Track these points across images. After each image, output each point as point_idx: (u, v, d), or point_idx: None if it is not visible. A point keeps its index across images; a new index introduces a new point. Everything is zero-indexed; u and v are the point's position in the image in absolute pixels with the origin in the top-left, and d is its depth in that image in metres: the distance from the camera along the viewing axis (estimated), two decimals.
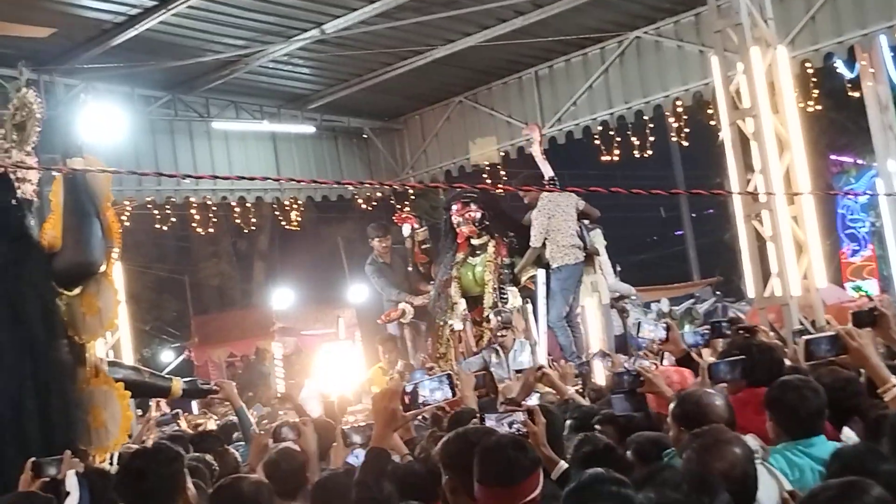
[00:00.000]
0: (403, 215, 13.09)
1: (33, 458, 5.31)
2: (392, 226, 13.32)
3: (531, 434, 4.36)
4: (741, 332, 6.86)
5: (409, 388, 4.10)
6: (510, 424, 4.38)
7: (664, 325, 5.99)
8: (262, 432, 5.88)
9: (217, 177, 15.09)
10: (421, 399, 4.09)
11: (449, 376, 4.19)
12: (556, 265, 11.08)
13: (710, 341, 7.11)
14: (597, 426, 5.28)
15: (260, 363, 20.03)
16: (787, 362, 5.73)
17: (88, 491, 4.78)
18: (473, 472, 3.44)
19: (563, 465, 4.21)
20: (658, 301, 14.68)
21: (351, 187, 17.37)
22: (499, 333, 10.08)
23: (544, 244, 11.15)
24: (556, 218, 11.11)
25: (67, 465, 5.21)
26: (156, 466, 3.59)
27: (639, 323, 6.45)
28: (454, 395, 4.21)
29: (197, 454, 6.09)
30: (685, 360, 5.98)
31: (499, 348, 10.03)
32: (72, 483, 4.90)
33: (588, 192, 8.66)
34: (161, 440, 7.07)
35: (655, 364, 6.50)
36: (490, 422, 4.37)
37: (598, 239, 11.70)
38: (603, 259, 11.94)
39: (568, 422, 5.50)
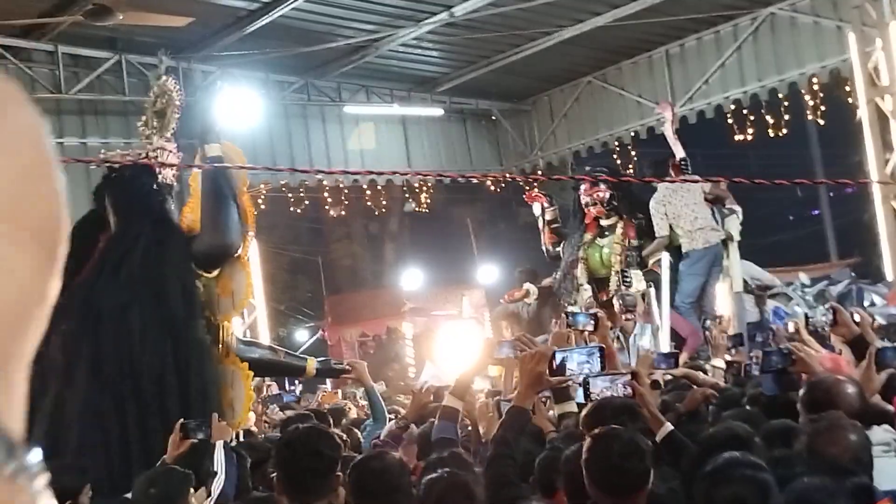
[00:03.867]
0: (534, 194, 13.02)
1: (182, 420, 5.52)
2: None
3: (638, 396, 4.37)
4: None
5: (558, 356, 4.14)
6: (622, 386, 4.37)
7: (829, 307, 5.66)
8: (425, 389, 5.97)
9: (347, 172, 15.26)
10: (576, 370, 4.15)
11: (601, 349, 4.21)
12: (684, 250, 10.90)
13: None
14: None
15: (391, 343, 20.27)
16: None
17: (236, 467, 4.90)
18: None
19: (668, 427, 4.19)
20: (791, 283, 14.21)
21: (479, 171, 17.41)
22: (623, 318, 9.95)
23: (672, 231, 10.97)
24: (673, 205, 10.88)
25: (217, 431, 5.41)
26: (327, 445, 3.64)
27: (805, 315, 6.13)
28: (603, 368, 4.23)
29: None
30: (857, 343, 5.47)
31: (620, 333, 9.90)
32: (219, 459, 5.01)
33: (730, 181, 8.46)
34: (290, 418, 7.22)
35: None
36: (597, 387, 4.36)
37: (732, 225, 11.41)
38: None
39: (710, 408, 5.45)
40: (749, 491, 2.96)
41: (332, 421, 7.43)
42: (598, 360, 4.15)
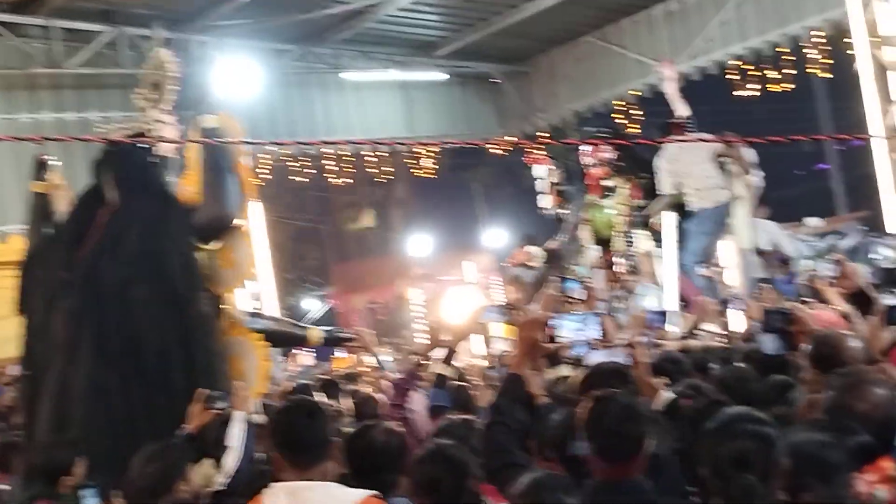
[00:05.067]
0: (534, 155, 12.92)
1: (204, 391, 5.53)
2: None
3: (637, 364, 4.39)
4: None
5: (553, 322, 4.13)
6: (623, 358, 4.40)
7: (834, 260, 5.62)
8: (436, 327, 5.95)
9: (352, 142, 15.27)
10: (571, 336, 4.14)
11: (599, 316, 4.20)
12: (694, 208, 10.78)
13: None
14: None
15: (400, 309, 20.29)
16: None
17: (254, 437, 4.88)
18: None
19: (668, 395, 4.17)
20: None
21: (481, 134, 17.31)
22: (627, 278, 9.92)
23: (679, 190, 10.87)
24: (682, 162, 10.77)
25: (239, 402, 5.40)
26: (320, 415, 3.66)
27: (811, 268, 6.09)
28: (602, 336, 4.23)
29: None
30: (858, 298, 5.55)
31: (625, 293, 9.87)
32: (236, 432, 4.99)
33: (728, 141, 8.37)
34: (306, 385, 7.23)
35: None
36: (595, 357, 4.37)
37: (738, 183, 11.26)
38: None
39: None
40: (754, 446, 2.92)
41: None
42: (597, 327, 4.13)
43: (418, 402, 5.57)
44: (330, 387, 7.17)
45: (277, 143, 13.21)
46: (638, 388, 4.08)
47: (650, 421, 3.41)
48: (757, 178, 11.15)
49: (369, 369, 9.79)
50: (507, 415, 3.94)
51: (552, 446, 3.81)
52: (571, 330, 4.16)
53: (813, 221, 14.49)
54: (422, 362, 5.69)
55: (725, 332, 7.39)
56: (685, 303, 10.02)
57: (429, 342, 5.92)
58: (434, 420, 4.62)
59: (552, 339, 4.12)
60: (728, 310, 7.52)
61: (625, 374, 4.09)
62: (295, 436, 3.59)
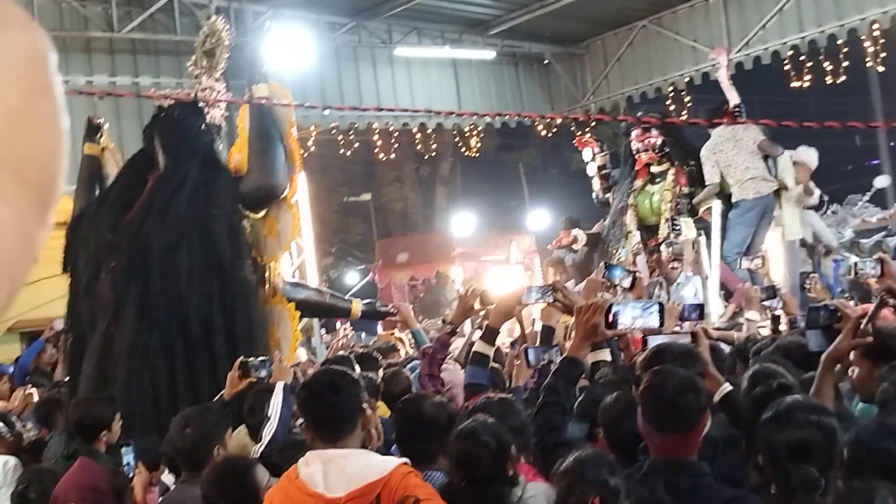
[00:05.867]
0: (584, 139, 12.84)
1: (242, 358, 5.58)
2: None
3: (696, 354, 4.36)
4: None
5: (614, 308, 4.12)
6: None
7: (877, 258, 5.50)
8: (470, 293, 5.93)
9: (407, 110, 15.21)
10: (628, 324, 4.13)
11: (660, 305, 4.16)
12: (734, 199, 10.71)
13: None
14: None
15: (441, 287, 20.32)
16: None
17: (291, 410, 4.90)
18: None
19: (728, 386, 4.15)
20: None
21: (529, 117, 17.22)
22: (670, 266, 9.80)
23: (723, 179, 10.78)
24: (724, 153, 10.67)
25: (278, 372, 5.42)
26: (345, 384, 3.71)
27: (855, 265, 5.94)
28: (661, 324, 4.19)
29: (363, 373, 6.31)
30: None
31: (664, 281, 9.75)
32: (276, 402, 5.00)
33: (779, 125, 8.24)
34: (329, 359, 7.27)
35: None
36: (656, 342, 4.34)
37: (787, 173, 11.14)
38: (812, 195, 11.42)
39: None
40: (814, 435, 2.89)
41: (378, 359, 7.51)
42: (658, 316, 4.10)
43: (454, 375, 5.58)
44: (366, 360, 7.20)
45: (331, 108, 13.21)
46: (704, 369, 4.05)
47: (708, 397, 3.38)
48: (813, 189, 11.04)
49: (403, 343, 9.88)
50: (562, 396, 3.97)
51: (603, 427, 3.81)
52: (632, 317, 4.12)
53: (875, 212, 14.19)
54: (454, 330, 5.71)
55: (768, 322, 7.34)
56: (726, 292, 9.95)
57: (461, 310, 5.93)
58: (471, 398, 4.62)
59: (610, 325, 4.10)
60: (771, 300, 7.45)
61: (694, 355, 4.06)
62: (318, 409, 3.66)
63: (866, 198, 13.18)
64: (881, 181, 13.30)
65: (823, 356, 3.90)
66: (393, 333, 11.32)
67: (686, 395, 3.30)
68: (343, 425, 3.60)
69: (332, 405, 3.62)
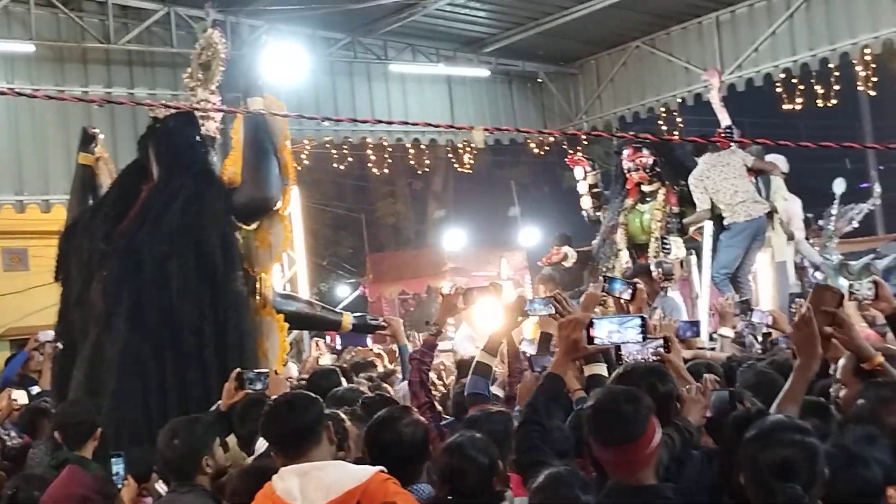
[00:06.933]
0: (576, 157, 12.90)
1: (238, 369, 5.60)
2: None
3: (667, 361, 4.38)
4: None
5: (597, 322, 4.08)
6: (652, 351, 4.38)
7: (870, 282, 5.51)
8: (454, 290, 5.87)
9: (399, 122, 15.27)
10: (604, 339, 4.08)
11: (642, 319, 4.13)
12: (726, 223, 10.73)
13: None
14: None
15: (432, 302, 20.31)
16: None
17: None
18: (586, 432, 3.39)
19: (693, 386, 4.17)
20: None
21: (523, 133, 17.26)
22: (661, 285, 9.81)
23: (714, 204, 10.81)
24: (712, 179, 10.67)
25: (275, 385, 5.44)
26: (302, 404, 3.77)
27: (850, 286, 5.92)
28: (644, 339, 4.16)
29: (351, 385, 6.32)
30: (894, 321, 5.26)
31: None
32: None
33: (776, 144, 8.25)
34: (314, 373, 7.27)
35: None
36: (628, 350, 4.34)
37: (777, 197, 11.19)
38: (794, 217, 11.48)
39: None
40: (798, 455, 2.90)
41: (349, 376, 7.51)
42: (638, 331, 4.06)
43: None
44: (350, 373, 7.24)
45: (328, 119, 13.23)
46: (674, 385, 4.03)
47: (650, 408, 3.33)
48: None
49: (382, 357, 9.89)
50: (542, 414, 3.93)
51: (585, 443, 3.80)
52: (607, 332, 4.08)
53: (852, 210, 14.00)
54: (439, 331, 5.68)
55: (743, 339, 7.35)
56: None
57: (444, 310, 5.86)
58: (472, 407, 4.63)
59: (591, 340, 4.07)
60: (752, 315, 7.44)
61: (663, 372, 4.04)
62: (278, 429, 3.75)
63: (834, 207, 13.24)
64: (838, 185, 13.35)
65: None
66: (371, 349, 11.29)
67: (626, 404, 3.28)
68: (304, 441, 3.66)
69: (289, 423, 3.68)
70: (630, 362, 4.27)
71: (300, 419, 3.69)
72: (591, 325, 4.06)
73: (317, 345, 10.61)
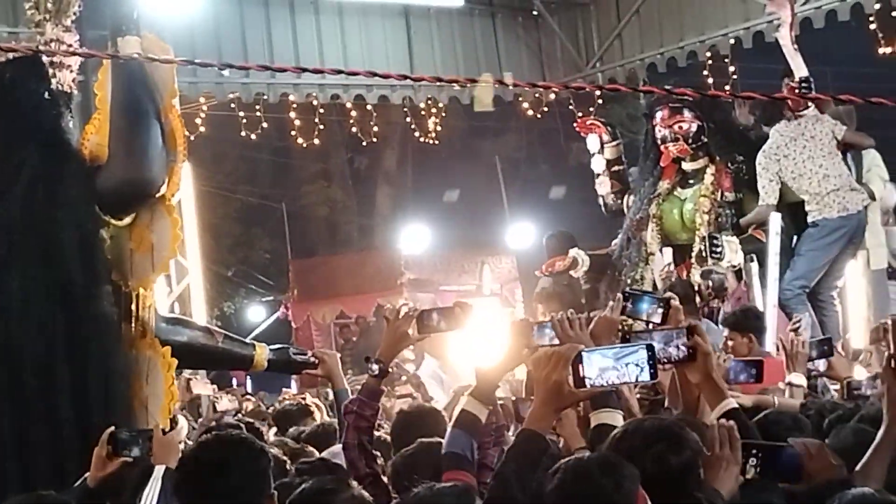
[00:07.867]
0: (589, 122, 12.86)
1: (111, 430, 5.53)
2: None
3: (701, 355, 4.37)
4: None
5: (585, 356, 3.97)
6: (677, 347, 4.41)
7: None
8: (404, 314, 5.81)
9: (341, 71, 15.25)
10: (597, 379, 3.99)
11: (649, 349, 4.06)
12: (812, 219, 10.75)
13: None
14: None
15: (382, 329, 20.31)
16: None
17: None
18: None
19: (731, 402, 4.20)
20: None
21: (513, 88, 17.27)
22: (710, 303, 9.85)
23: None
24: (791, 159, 10.73)
25: (161, 449, 5.36)
26: (239, 461, 3.72)
27: None
28: (653, 378, 4.13)
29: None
30: None
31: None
32: (152, 492, 4.99)
33: (867, 102, 8.28)
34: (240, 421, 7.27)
35: None
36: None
37: (872, 174, 11.21)
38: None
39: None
40: None
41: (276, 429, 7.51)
42: (643, 368, 4.00)
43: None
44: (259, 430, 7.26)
45: (231, 67, 13.18)
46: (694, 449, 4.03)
47: (634, 479, 3.46)
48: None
49: (320, 409, 9.87)
50: (513, 487, 3.92)
51: None
52: (599, 369, 4.01)
53: None
54: (385, 371, 5.66)
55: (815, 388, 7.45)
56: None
57: (391, 340, 5.83)
58: (447, 473, 4.60)
59: (581, 382, 3.98)
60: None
61: (678, 435, 4.01)
62: (202, 496, 3.74)
63: None
64: None
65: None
66: (305, 396, 11.25)
67: (602, 477, 3.46)
68: None
69: (218, 494, 3.63)
70: (633, 421, 4.28)
71: (234, 487, 3.69)
72: (578, 359, 3.95)
73: (192, 383, 10.52)
